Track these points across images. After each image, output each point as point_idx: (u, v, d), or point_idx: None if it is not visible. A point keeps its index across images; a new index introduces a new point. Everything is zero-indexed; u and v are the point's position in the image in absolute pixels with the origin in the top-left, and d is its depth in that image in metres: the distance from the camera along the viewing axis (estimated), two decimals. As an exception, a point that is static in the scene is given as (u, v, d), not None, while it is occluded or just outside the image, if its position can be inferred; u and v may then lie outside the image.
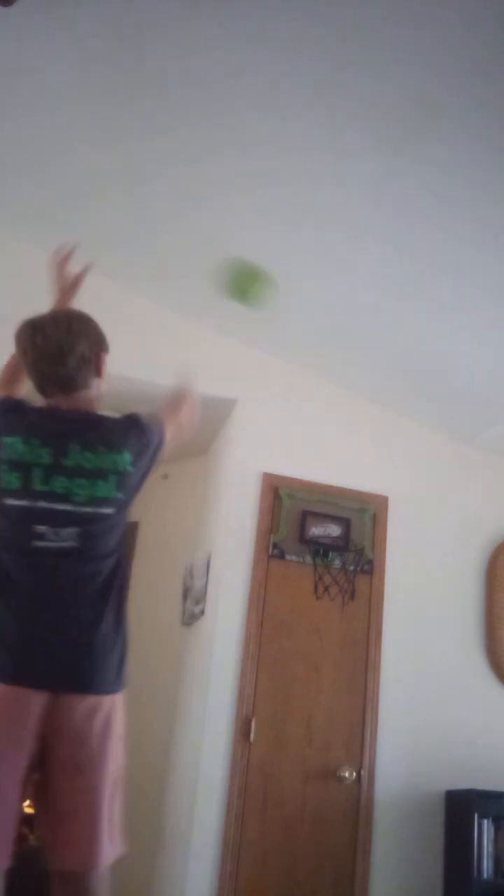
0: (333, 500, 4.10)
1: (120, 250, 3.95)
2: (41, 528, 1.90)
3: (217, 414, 4.36)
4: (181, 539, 4.72)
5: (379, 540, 4.09)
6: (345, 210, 3.18)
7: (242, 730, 3.63)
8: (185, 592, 4.42)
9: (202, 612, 4.11)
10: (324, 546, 4.00)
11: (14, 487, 1.93)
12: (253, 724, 3.64)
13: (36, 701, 1.80)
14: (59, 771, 1.84)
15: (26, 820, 6.54)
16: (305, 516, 4.03)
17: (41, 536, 1.90)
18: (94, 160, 3.35)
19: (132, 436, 2.17)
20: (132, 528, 5.02)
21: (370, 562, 4.04)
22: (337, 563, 3.98)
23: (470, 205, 2.97)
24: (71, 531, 1.92)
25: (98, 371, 2.31)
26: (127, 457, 2.10)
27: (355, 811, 3.66)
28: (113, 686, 1.90)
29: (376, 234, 3.27)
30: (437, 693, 3.97)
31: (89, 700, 1.85)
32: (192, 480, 4.84)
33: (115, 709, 1.90)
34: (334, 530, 4.05)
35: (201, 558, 4.28)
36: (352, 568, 3.99)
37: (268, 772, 3.62)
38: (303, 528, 4.01)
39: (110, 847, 1.87)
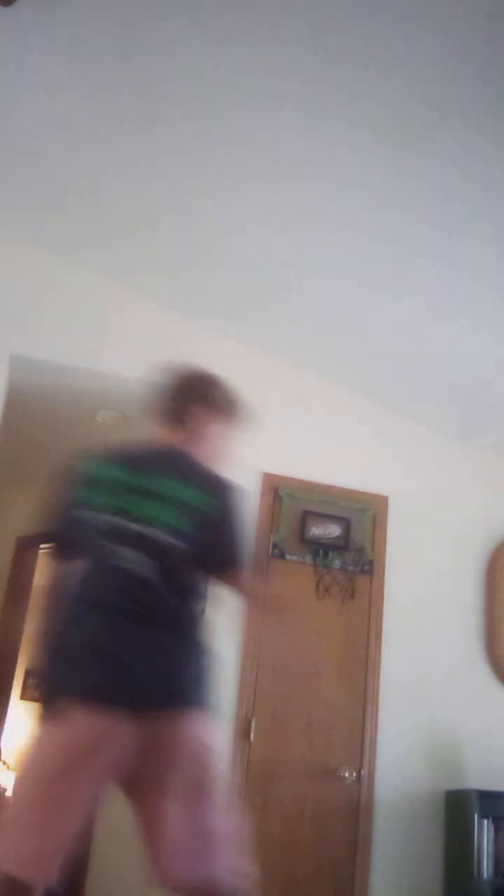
0: (333, 500, 4.10)
1: (117, 248, 3.95)
2: (127, 552, 1.97)
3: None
4: (181, 539, 4.71)
5: (379, 540, 4.09)
6: (346, 208, 3.18)
7: (242, 730, 3.63)
8: (185, 592, 4.42)
9: (202, 613, 4.10)
10: (324, 546, 4.00)
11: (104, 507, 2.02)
12: (253, 725, 3.64)
13: (123, 723, 1.83)
14: (156, 793, 1.86)
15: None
16: (305, 516, 4.03)
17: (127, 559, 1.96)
18: (88, 154, 3.34)
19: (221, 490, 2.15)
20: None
21: (370, 562, 4.04)
22: (337, 563, 3.98)
23: (475, 203, 2.97)
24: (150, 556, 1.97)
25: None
26: (205, 498, 2.08)
27: (355, 811, 3.66)
28: (199, 704, 1.93)
29: (378, 233, 3.27)
30: (437, 693, 3.97)
31: (181, 719, 1.89)
32: (192, 480, 4.83)
33: (204, 726, 1.93)
34: (334, 530, 4.05)
35: (201, 558, 4.27)
36: (352, 568, 3.99)
37: (268, 772, 3.62)
38: (303, 528, 4.01)
39: (229, 863, 1.88)
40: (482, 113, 2.61)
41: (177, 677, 1.91)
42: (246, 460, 4.10)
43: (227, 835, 1.90)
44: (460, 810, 3.69)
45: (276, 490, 4.04)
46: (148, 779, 1.86)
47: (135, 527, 1.99)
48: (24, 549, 5.56)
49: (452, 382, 4.06)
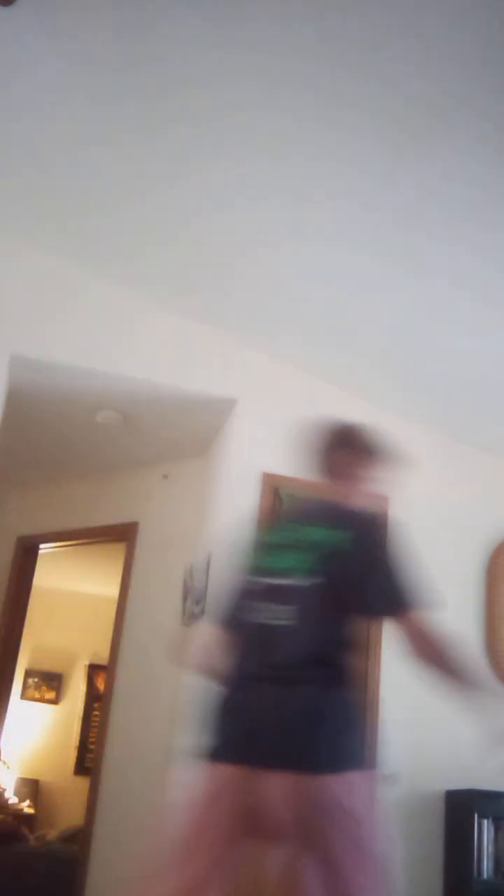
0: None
1: (117, 249, 3.95)
2: (265, 606, 1.95)
3: (217, 414, 4.36)
4: (181, 539, 4.71)
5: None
6: (345, 213, 3.19)
7: (242, 730, 3.63)
8: (185, 592, 4.42)
9: (202, 612, 4.10)
10: (324, 546, 3.99)
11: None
12: (253, 724, 3.64)
13: (249, 779, 1.83)
14: (294, 852, 1.87)
15: (26, 819, 6.51)
16: (305, 516, 4.02)
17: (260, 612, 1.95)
18: (87, 154, 3.35)
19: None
20: (132, 528, 5.03)
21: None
22: (337, 563, 3.97)
23: (471, 210, 2.98)
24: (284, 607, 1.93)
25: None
26: (332, 533, 2.01)
27: (355, 811, 3.65)
28: (334, 765, 1.84)
29: (377, 237, 3.28)
30: (437, 693, 3.96)
31: (309, 779, 1.82)
32: (192, 480, 4.84)
33: (341, 787, 1.83)
34: (334, 530, 4.04)
35: (201, 558, 4.28)
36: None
37: (268, 772, 3.61)
38: (303, 528, 4.00)
39: None
40: (481, 118, 2.61)
41: (304, 734, 1.85)
42: (246, 460, 4.12)
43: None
44: (460, 810, 3.69)
45: (276, 490, 4.04)
46: (290, 838, 1.85)
47: (269, 580, 1.98)
48: (24, 549, 5.56)
49: (451, 382, 4.06)
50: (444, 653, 1.94)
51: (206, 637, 2.13)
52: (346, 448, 2.34)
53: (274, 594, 1.95)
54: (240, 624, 2.00)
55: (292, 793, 1.79)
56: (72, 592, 7.80)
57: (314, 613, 1.91)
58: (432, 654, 1.93)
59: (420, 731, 3.89)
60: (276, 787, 1.80)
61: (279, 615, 1.92)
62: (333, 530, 2.01)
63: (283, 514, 2.23)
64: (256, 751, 1.84)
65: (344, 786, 1.83)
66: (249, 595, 2.00)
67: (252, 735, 1.86)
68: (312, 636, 1.91)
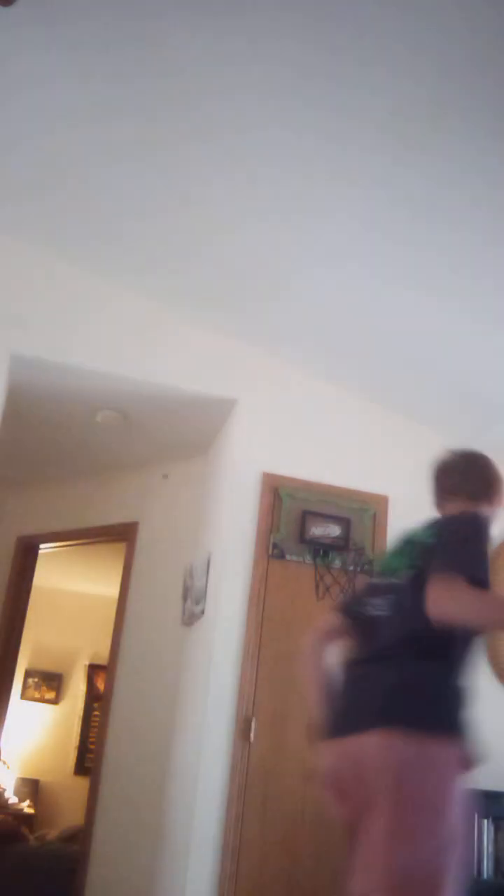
0: (333, 500, 4.10)
1: (118, 248, 3.95)
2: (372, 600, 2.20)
3: (217, 414, 4.36)
4: (181, 539, 4.72)
5: (379, 540, 4.09)
6: (348, 206, 3.18)
7: (242, 730, 3.63)
8: (185, 592, 4.42)
9: (202, 612, 4.11)
10: (324, 546, 3.99)
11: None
12: (253, 724, 3.64)
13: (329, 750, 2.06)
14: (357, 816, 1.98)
15: (26, 819, 6.52)
16: (305, 516, 4.03)
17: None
18: (88, 151, 3.35)
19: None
20: (132, 528, 5.03)
21: (370, 562, 4.03)
22: (337, 563, 3.98)
23: (477, 200, 2.97)
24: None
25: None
26: (429, 533, 2.23)
27: (355, 811, 3.65)
28: (371, 723, 1.95)
29: (379, 232, 3.27)
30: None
31: (349, 741, 1.99)
32: (192, 480, 4.84)
33: (378, 746, 1.91)
34: (334, 530, 4.05)
35: (201, 558, 4.28)
36: (352, 568, 3.98)
37: (268, 772, 3.62)
38: (303, 528, 4.01)
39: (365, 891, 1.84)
40: (482, 110, 2.61)
41: (370, 701, 2.00)
42: (246, 460, 4.12)
43: (374, 861, 1.85)
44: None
45: (276, 490, 4.04)
46: (354, 801, 1.97)
47: (378, 580, 2.29)
48: (24, 549, 5.56)
49: (452, 382, 4.06)
50: (464, 609, 1.96)
51: (326, 622, 2.37)
52: (460, 476, 2.60)
53: (379, 590, 2.20)
54: (354, 617, 2.25)
55: (348, 758, 1.97)
56: (72, 592, 7.80)
57: (406, 602, 2.07)
58: (450, 612, 1.95)
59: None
60: (342, 752, 2.00)
61: (380, 607, 2.14)
62: (426, 529, 2.24)
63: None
64: (344, 721, 2.04)
65: (382, 745, 1.90)
66: (364, 592, 2.33)
67: (344, 709, 2.07)
68: (403, 620, 2.07)
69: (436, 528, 2.23)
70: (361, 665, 2.12)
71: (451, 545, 2.09)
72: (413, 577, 2.08)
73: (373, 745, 1.90)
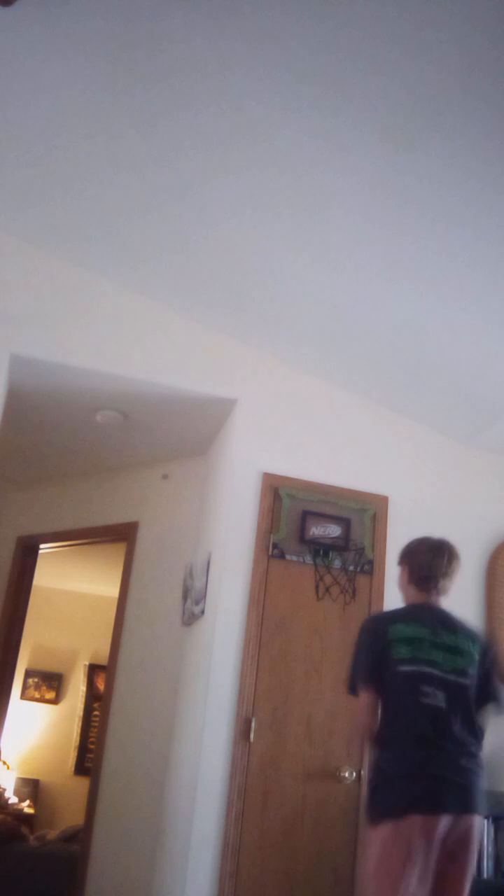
0: (333, 500, 4.10)
1: (118, 248, 3.96)
2: (427, 689, 2.61)
3: (217, 414, 4.36)
4: (181, 539, 4.72)
5: (379, 540, 4.09)
6: (348, 206, 3.18)
7: (242, 730, 3.63)
8: (185, 592, 4.42)
9: (202, 612, 4.11)
10: (324, 546, 4.00)
11: (404, 657, 2.66)
12: (253, 724, 3.64)
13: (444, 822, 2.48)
14: (450, 868, 2.51)
15: (26, 819, 6.52)
16: (305, 516, 4.03)
17: (427, 695, 2.61)
18: (88, 150, 3.35)
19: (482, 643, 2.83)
20: (132, 528, 5.03)
21: (370, 562, 4.04)
22: (337, 563, 3.98)
23: (474, 200, 2.97)
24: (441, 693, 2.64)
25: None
26: (476, 648, 2.77)
27: (355, 811, 3.66)
28: (482, 809, 2.58)
29: (378, 231, 3.27)
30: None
31: (473, 821, 2.53)
32: (192, 480, 4.84)
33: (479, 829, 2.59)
34: (334, 530, 4.05)
35: (201, 558, 4.28)
36: (352, 568, 3.99)
37: (268, 772, 3.62)
38: (303, 528, 4.01)
39: None
40: (480, 110, 2.61)
41: (472, 787, 2.54)
42: (246, 460, 4.12)
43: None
44: (460, 810, 3.69)
45: (276, 490, 4.04)
46: (450, 862, 2.51)
47: (438, 673, 2.64)
48: (24, 549, 5.56)
49: (453, 382, 4.06)
50: None
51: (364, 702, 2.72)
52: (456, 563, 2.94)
53: (438, 683, 2.62)
54: (414, 704, 2.59)
55: (469, 829, 2.55)
56: (72, 592, 7.80)
57: (463, 700, 2.64)
58: None
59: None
60: (460, 827, 2.53)
61: (439, 699, 2.60)
62: (475, 644, 2.76)
63: (429, 615, 2.79)
64: (450, 799, 2.50)
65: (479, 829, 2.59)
66: (420, 679, 2.62)
67: (436, 789, 2.50)
68: (467, 715, 2.64)
69: (479, 643, 2.78)
70: (453, 751, 2.59)
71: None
72: (471, 681, 2.69)
73: (481, 827, 2.64)
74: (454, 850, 2.49)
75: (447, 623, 2.76)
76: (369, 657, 2.71)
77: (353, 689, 2.75)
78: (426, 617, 2.75)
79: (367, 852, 2.56)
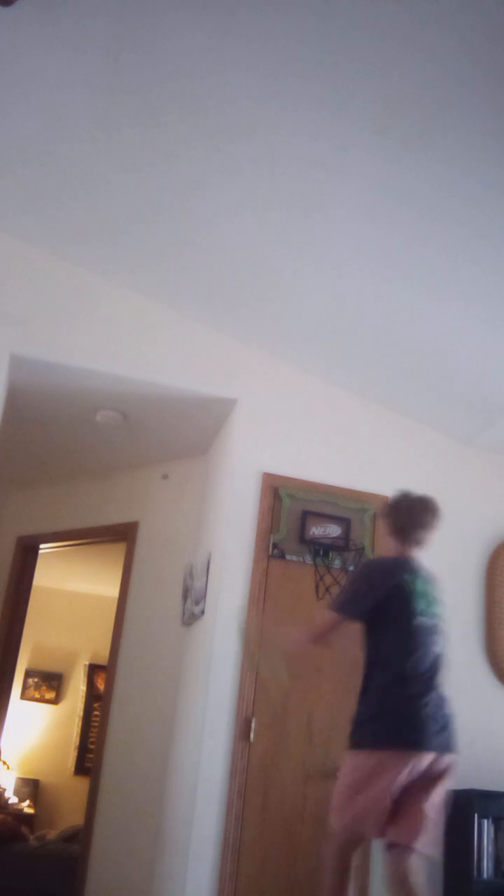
0: (333, 500, 4.10)
1: (118, 248, 3.96)
2: (436, 639, 2.87)
3: (217, 414, 4.36)
4: (181, 539, 4.72)
5: (379, 540, 4.08)
6: (348, 206, 3.19)
7: (242, 730, 3.63)
8: (185, 592, 4.42)
9: (202, 612, 4.11)
10: (324, 546, 4.00)
11: (422, 609, 2.87)
12: (253, 724, 3.64)
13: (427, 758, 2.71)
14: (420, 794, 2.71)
15: (26, 819, 6.51)
16: (305, 516, 4.03)
17: (437, 646, 2.86)
18: (88, 151, 3.35)
19: None
20: (132, 528, 5.03)
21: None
22: (337, 563, 3.98)
23: (474, 200, 2.97)
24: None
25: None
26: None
27: (355, 811, 3.65)
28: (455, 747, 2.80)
29: (378, 232, 3.27)
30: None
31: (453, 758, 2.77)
32: (192, 480, 4.84)
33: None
34: (334, 530, 4.05)
35: (201, 558, 4.28)
36: (352, 568, 3.98)
37: (268, 772, 3.62)
38: (303, 528, 4.01)
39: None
40: (482, 110, 2.61)
41: (454, 729, 2.79)
42: (246, 460, 4.12)
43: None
44: (460, 810, 3.68)
45: (276, 490, 4.04)
46: (417, 785, 2.69)
47: (441, 625, 2.90)
48: (24, 549, 5.56)
49: (453, 381, 4.06)
50: None
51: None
52: (432, 521, 3.10)
53: (437, 631, 2.89)
54: (428, 652, 2.81)
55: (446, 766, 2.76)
56: (72, 592, 7.80)
57: (444, 643, 2.90)
58: None
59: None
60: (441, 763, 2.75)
61: (439, 644, 2.86)
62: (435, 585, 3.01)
63: (406, 562, 2.99)
64: (440, 739, 2.73)
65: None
66: (435, 632, 2.87)
67: (441, 729, 2.75)
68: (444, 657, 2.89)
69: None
70: (438, 688, 2.80)
71: None
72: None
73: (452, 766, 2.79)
74: (428, 784, 2.70)
75: (432, 577, 3.01)
76: (374, 597, 2.86)
77: (341, 612, 2.90)
78: (424, 571, 2.98)
79: (341, 775, 2.77)
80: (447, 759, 2.74)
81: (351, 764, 2.76)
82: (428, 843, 2.70)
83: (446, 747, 2.74)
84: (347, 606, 2.90)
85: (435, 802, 2.71)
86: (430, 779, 2.70)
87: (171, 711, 4.31)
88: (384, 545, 3.13)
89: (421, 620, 2.83)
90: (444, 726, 2.75)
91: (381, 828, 2.67)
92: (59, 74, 2.97)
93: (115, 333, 4.14)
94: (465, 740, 3.92)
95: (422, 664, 2.78)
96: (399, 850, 2.65)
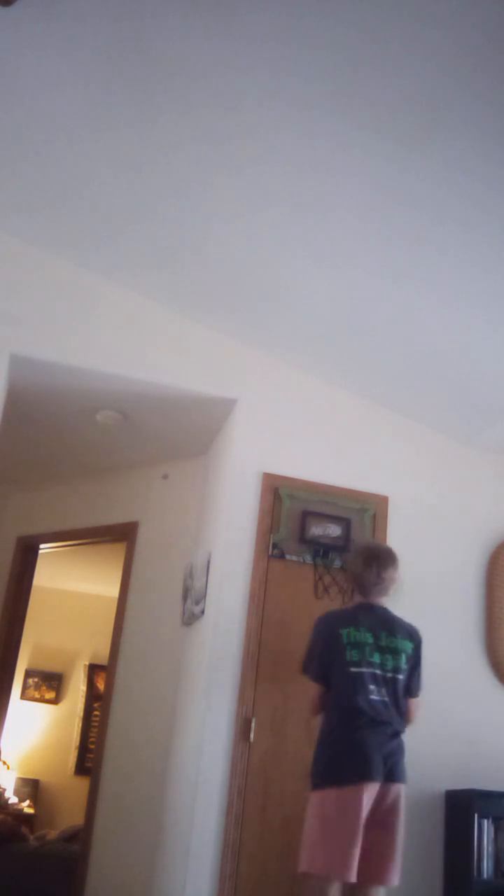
0: (333, 500, 4.10)
1: (119, 248, 3.96)
2: (371, 687, 3.08)
3: (217, 414, 4.36)
4: (181, 539, 4.72)
5: (379, 540, 4.09)
6: (348, 206, 3.19)
7: (242, 730, 3.63)
8: (185, 592, 4.42)
9: (202, 612, 4.11)
10: (324, 546, 4.00)
11: (354, 660, 3.10)
12: (253, 724, 3.64)
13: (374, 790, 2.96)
14: (381, 831, 2.96)
15: (26, 819, 6.52)
16: (305, 516, 4.03)
17: (372, 692, 3.07)
18: (87, 151, 3.35)
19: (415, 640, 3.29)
20: (132, 528, 5.03)
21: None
22: (337, 563, 3.98)
23: (475, 200, 2.97)
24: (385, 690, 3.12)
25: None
26: (409, 646, 3.23)
27: (355, 811, 3.65)
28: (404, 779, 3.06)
29: (379, 232, 3.27)
30: (436, 693, 3.96)
31: (402, 787, 3.02)
32: (192, 480, 4.84)
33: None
34: (334, 530, 4.05)
35: (201, 558, 4.28)
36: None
37: (268, 772, 3.62)
38: (303, 528, 4.01)
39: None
40: (482, 111, 2.61)
41: (399, 761, 3.03)
42: (246, 460, 4.12)
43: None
44: (460, 810, 3.69)
45: (276, 490, 4.04)
46: (377, 821, 2.95)
47: (379, 672, 3.11)
48: (24, 549, 5.56)
49: (453, 382, 4.06)
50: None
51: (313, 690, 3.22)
52: (395, 568, 3.30)
53: (382, 681, 3.10)
54: (362, 698, 3.04)
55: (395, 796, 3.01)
56: (72, 592, 7.80)
57: (397, 694, 3.13)
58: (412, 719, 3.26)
59: (420, 731, 3.88)
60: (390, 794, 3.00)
61: (381, 694, 3.08)
62: (412, 640, 3.23)
63: (373, 618, 3.22)
64: (382, 771, 2.97)
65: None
66: (368, 679, 3.07)
67: (383, 762, 2.98)
68: (398, 705, 3.13)
69: (413, 642, 3.24)
70: (385, 731, 3.05)
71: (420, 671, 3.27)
72: (405, 677, 3.17)
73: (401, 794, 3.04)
74: (385, 819, 2.95)
75: (388, 625, 3.20)
76: (322, 658, 3.16)
77: (306, 673, 3.23)
78: (371, 621, 3.18)
79: (308, 816, 2.98)
80: (395, 789, 2.98)
81: (312, 804, 2.99)
82: (396, 876, 2.96)
83: (392, 777, 2.98)
84: (306, 669, 3.23)
85: (397, 836, 2.96)
86: (385, 813, 2.95)
87: (170, 711, 4.31)
88: (353, 594, 3.41)
89: (353, 671, 3.07)
90: (388, 756, 2.99)
91: (353, 869, 2.84)
92: (59, 74, 2.97)
93: (115, 333, 4.14)
94: (465, 740, 3.96)
95: (362, 708, 3.02)
96: (371, 888, 2.93)
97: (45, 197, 3.70)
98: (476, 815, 3.60)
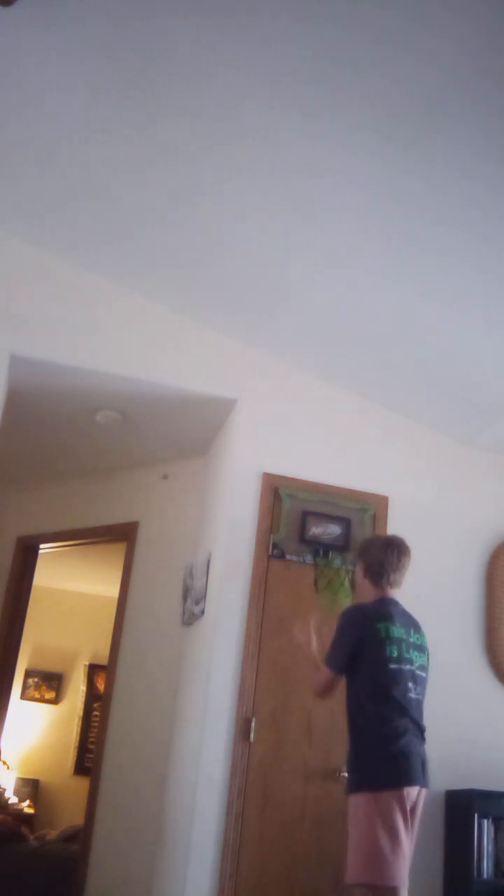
0: (333, 500, 4.10)
1: (119, 248, 3.96)
2: (410, 685, 2.97)
3: (217, 414, 4.36)
4: (181, 539, 4.72)
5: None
6: (348, 207, 3.19)
7: (242, 730, 3.63)
8: (185, 592, 4.42)
9: (202, 612, 4.11)
10: (324, 546, 4.00)
11: (394, 655, 2.97)
12: (253, 724, 3.64)
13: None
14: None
15: (26, 819, 6.53)
16: (305, 516, 4.03)
17: (410, 690, 2.97)
18: (87, 152, 3.35)
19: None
20: (132, 528, 5.03)
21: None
22: (337, 562, 3.98)
23: (474, 201, 2.97)
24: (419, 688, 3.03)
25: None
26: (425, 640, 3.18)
27: (355, 811, 3.65)
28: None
29: (379, 233, 3.28)
30: (436, 693, 3.95)
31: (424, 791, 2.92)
32: (192, 480, 4.84)
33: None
34: (334, 530, 4.05)
35: (201, 558, 4.28)
36: (352, 568, 3.98)
37: (268, 772, 3.62)
38: (303, 527, 4.01)
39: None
40: (480, 112, 2.61)
41: (426, 764, 2.93)
42: (246, 460, 4.12)
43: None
44: (460, 810, 3.69)
45: (276, 490, 4.04)
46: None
47: (416, 670, 3.01)
48: (24, 549, 5.56)
49: (452, 382, 4.06)
50: None
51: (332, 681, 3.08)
52: (408, 555, 3.18)
53: (417, 679, 3.01)
54: (402, 696, 2.93)
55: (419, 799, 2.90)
56: (72, 592, 7.80)
57: (426, 692, 3.07)
58: None
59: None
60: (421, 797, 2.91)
61: (419, 693, 3.00)
62: (422, 633, 3.14)
63: (394, 611, 3.07)
64: (420, 775, 2.88)
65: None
66: (405, 675, 2.96)
67: (422, 765, 2.90)
68: (422, 704, 3.04)
69: (424, 638, 3.16)
70: (418, 733, 2.96)
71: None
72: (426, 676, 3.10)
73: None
74: (412, 821, 2.85)
75: (413, 621, 3.11)
76: (349, 649, 3.00)
77: (329, 666, 3.05)
78: (400, 617, 3.06)
79: (356, 823, 2.83)
80: (423, 792, 2.90)
81: (355, 805, 2.85)
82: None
83: (426, 782, 2.90)
84: (331, 661, 3.06)
85: (413, 839, 2.87)
86: (412, 815, 2.85)
87: (171, 711, 4.31)
88: (362, 589, 3.23)
89: (393, 668, 2.95)
90: (424, 762, 2.91)
91: (404, 873, 2.73)
92: (60, 75, 2.97)
93: (115, 333, 4.14)
94: (465, 740, 3.95)
95: (405, 707, 2.91)
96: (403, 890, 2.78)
97: (45, 197, 3.70)
98: (476, 815, 3.60)
